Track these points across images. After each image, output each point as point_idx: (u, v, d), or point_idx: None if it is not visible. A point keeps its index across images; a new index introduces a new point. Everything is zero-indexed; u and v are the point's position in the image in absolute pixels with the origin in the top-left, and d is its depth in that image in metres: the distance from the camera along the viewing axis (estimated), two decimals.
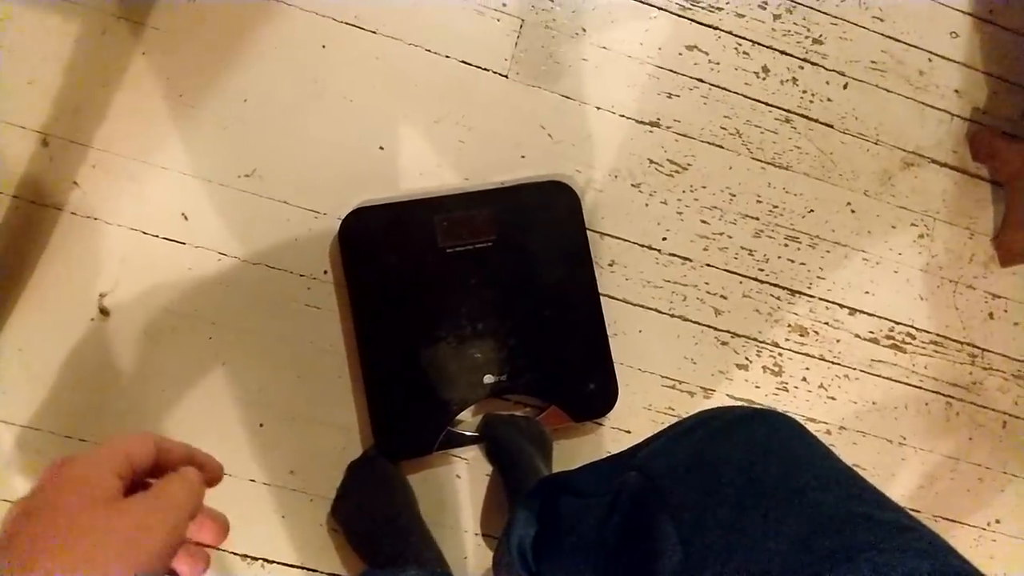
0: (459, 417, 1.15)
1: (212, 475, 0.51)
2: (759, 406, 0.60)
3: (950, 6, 1.39)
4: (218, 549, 1.09)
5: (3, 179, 1.08)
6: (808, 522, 0.47)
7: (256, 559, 1.10)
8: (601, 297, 1.22)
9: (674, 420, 1.22)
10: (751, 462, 0.53)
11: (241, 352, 1.12)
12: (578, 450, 1.21)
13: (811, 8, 1.35)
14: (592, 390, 1.18)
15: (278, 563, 1.11)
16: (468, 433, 1.15)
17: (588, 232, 1.21)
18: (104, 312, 1.09)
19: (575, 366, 1.18)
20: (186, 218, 1.12)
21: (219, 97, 1.15)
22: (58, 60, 1.11)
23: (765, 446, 0.55)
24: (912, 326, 1.36)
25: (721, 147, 1.30)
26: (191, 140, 1.14)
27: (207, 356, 1.11)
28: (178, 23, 1.14)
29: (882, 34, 1.37)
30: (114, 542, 0.38)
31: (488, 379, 1.13)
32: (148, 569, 0.38)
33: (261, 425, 1.12)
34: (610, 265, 1.25)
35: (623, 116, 1.27)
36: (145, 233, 1.11)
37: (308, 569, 1.11)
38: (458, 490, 1.18)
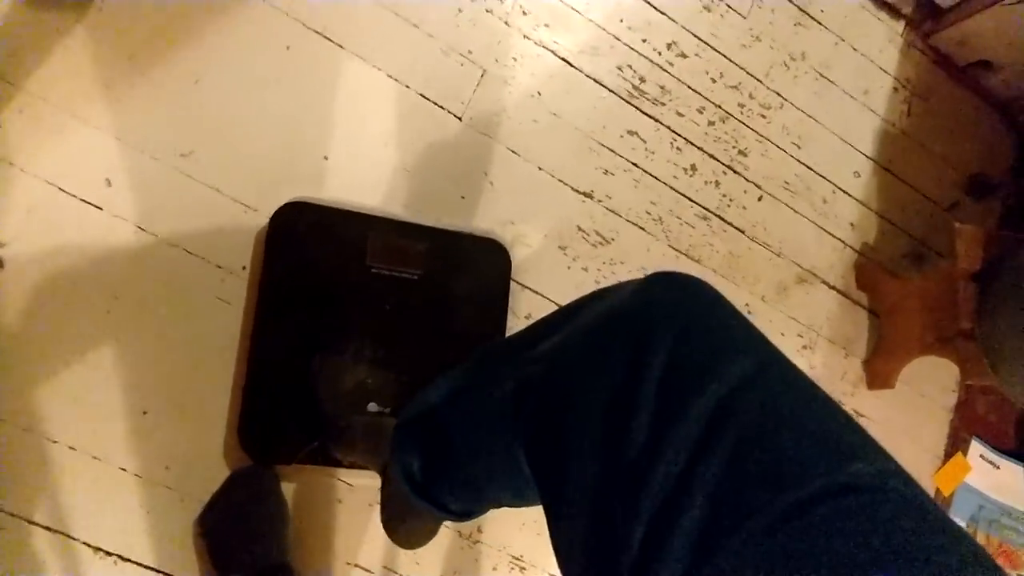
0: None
1: None
2: (668, 272, 0.57)
3: (857, 148, 1.55)
4: (68, 536, 1.00)
5: None
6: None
7: (109, 554, 1.02)
8: None
9: None
10: (674, 346, 0.48)
11: (138, 332, 1.06)
12: None
13: (741, 122, 1.47)
14: None
15: (133, 562, 1.02)
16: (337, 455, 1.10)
17: (511, 282, 1.24)
18: None
19: None
20: (110, 184, 1.07)
21: (171, 70, 1.12)
22: None
23: (687, 326, 0.50)
24: None
25: (643, 229, 1.38)
26: (132, 107, 1.09)
27: (101, 329, 1.05)
28: None
29: (797, 159, 1.50)
30: None
31: (372, 407, 1.11)
32: None
33: (144, 413, 1.05)
34: (527, 317, 1.27)
35: (561, 181, 1.33)
36: (62, 190, 1.05)
37: (163, 573, 1.04)
38: (337, 515, 1.14)
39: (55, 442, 1.01)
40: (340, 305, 1.12)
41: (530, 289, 1.28)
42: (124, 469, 1.04)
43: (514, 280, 1.26)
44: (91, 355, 1.03)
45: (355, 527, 1.14)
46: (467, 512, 0.79)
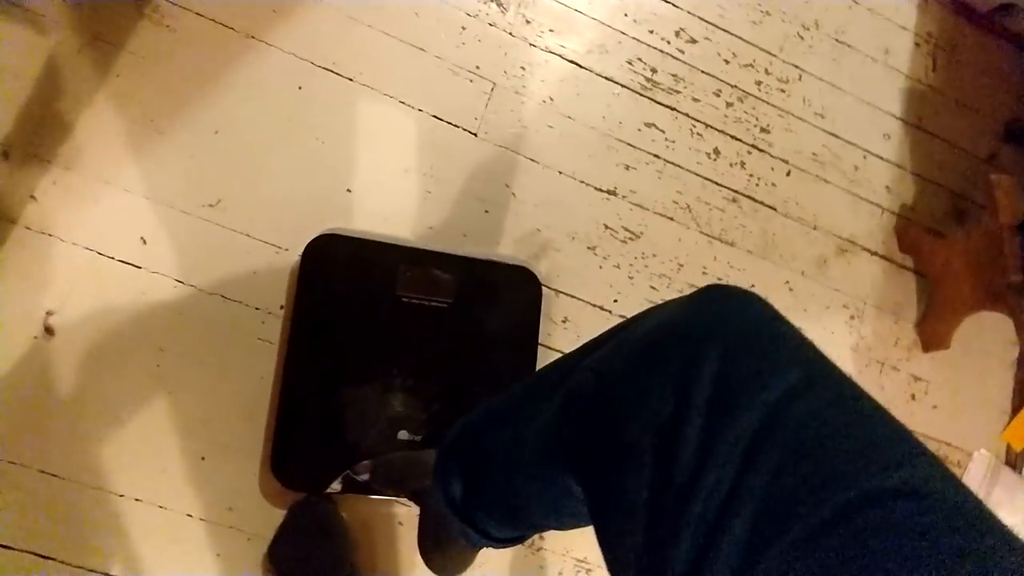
0: (372, 465, 1.13)
1: None
2: (721, 286, 0.57)
3: (884, 110, 1.51)
4: None
5: None
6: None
7: None
8: (553, 352, 1.25)
9: None
10: (722, 364, 0.49)
11: (188, 382, 1.10)
12: None
13: (760, 100, 1.45)
14: None
15: None
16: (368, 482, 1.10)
17: (544, 289, 1.24)
18: (49, 331, 1.06)
19: None
20: (144, 242, 1.11)
21: (190, 126, 1.15)
22: (28, 74, 1.10)
23: (736, 343, 0.50)
24: None
25: (672, 219, 1.37)
26: (157, 165, 1.13)
27: (152, 383, 1.08)
28: (155, 50, 1.15)
29: (823, 129, 1.48)
30: None
31: (403, 435, 1.13)
32: None
33: (203, 458, 1.08)
34: (563, 322, 1.28)
35: (583, 183, 1.33)
36: (101, 254, 1.09)
37: None
38: (398, 538, 1.16)
39: (121, 496, 1.05)
40: (371, 335, 1.14)
41: (564, 293, 1.29)
42: (190, 515, 1.07)
43: (547, 286, 1.27)
44: (145, 409, 1.07)
45: (415, 546, 1.16)
46: (509, 539, 0.80)
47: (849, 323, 1.44)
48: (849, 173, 1.48)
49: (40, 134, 1.09)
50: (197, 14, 1.17)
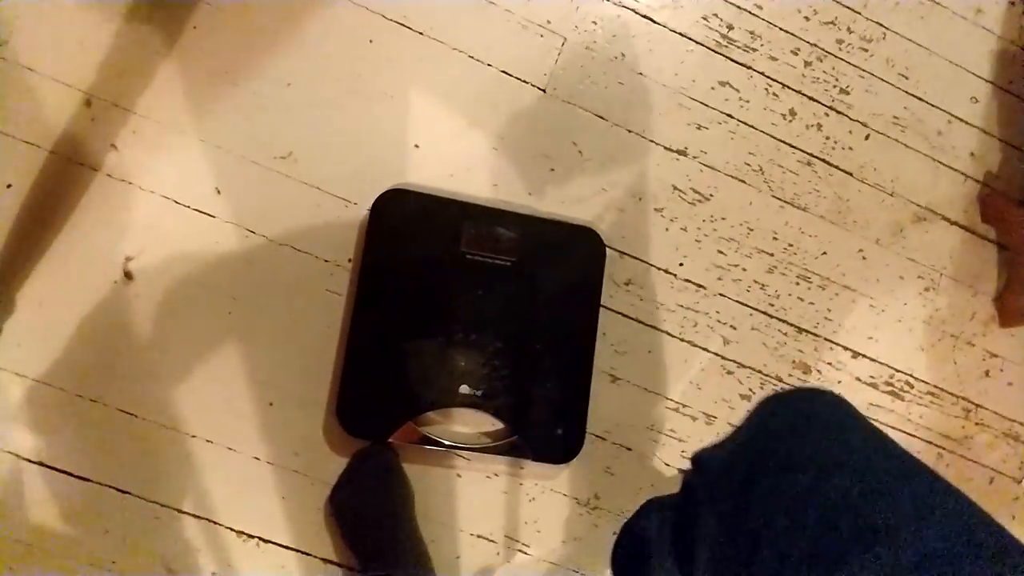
0: (432, 418, 1.15)
1: None
2: (801, 387, 0.62)
3: (972, 72, 1.44)
4: (214, 523, 1.09)
5: (42, 133, 1.09)
6: (831, 507, 0.48)
7: (252, 536, 1.10)
8: (615, 314, 1.24)
9: (674, 442, 1.24)
10: (785, 452, 0.55)
11: (258, 330, 1.13)
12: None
13: (840, 59, 1.39)
14: (559, 435, 1.18)
15: (273, 543, 1.10)
16: (437, 438, 1.13)
17: (608, 250, 1.23)
18: (128, 275, 1.10)
19: (550, 406, 1.18)
20: (219, 192, 1.13)
21: (263, 79, 1.17)
22: (110, 25, 1.12)
23: (802, 429, 0.56)
24: (911, 375, 1.39)
25: (743, 182, 1.34)
26: (231, 117, 1.15)
27: (224, 330, 1.12)
28: (230, 3, 1.16)
29: (906, 91, 1.41)
30: None
31: (464, 389, 1.14)
32: None
33: (271, 404, 1.12)
34: (626, 284, 1.27)
35: (653, 141, 1.30)
36: (177, 203, 1.12)
37: (302, 552, 1.11)
38: (457, 488, 1.18)
39: (194, 437, 1.09)
40: (435, 290, 1.15)
41: (628, 255, 1.27)
42: (257, 458, 1.11)
43: (611, 247, 1.26)
44: (217, 354, 1.11)
45: (475, 499, 1.18)
46: None
47: (923, 295, 1.40)
48: (932, 138, 1.42)
49: (121, 84, 1.12)
50: None
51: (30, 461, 1.05)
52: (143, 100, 1.12)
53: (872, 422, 0.58)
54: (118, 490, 1.08)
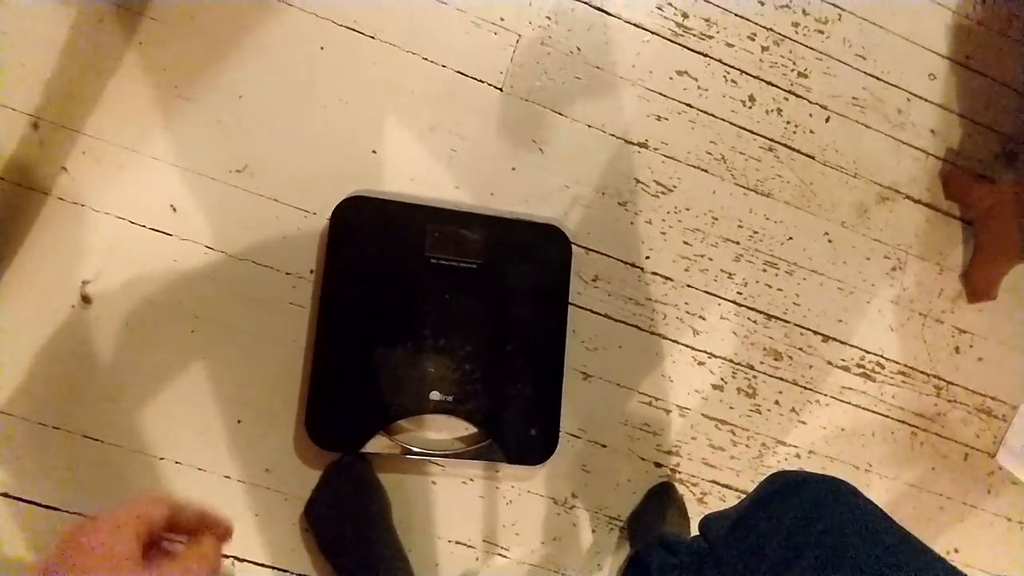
0: (404, 426, 1.15)
1: (223, 534, 0.53)
2: (809, 474, 0.66)
3: (929, 49, 1.44)
4: None
5: None
6: None
7: (227, 556, 1.09)
8: (583, 311, 1.24)
9: (649, 436, 1.23)
10: (792, 531, 0.59)
11: (223, 347, 1.11)
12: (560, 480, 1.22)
13: (797, 43, 1.39)
14: (533, 436, 1.17)
15: (249, 561, 1.09)
16: (409, 447, 1.13)
17: (574, 247, 1.23)
18: (86, 299, 1.08)
19: (523, 407, 1.17)
20: (174, 210, 1.12)
21: (214, 91, 1.15)
22: (53, 45, 1.10)
23: (809, 515, 0.60)
24: (882, 356, 1.39)
25: (706, 171, 1.33)
26: (183, 132, 1.13)
27: (188, 349, 1.10)
28: (176, 15, 1.14)
29: (864, 71, 1.41)
30: None
31: (435, 396, 1.13)
32: None
33: (239, 421, 1.11)
34: (593, 280, 1.26)
35: (613, 135, 1.30)
36: (132, 222, 1.10)
37: (279, 569, 1.10)
38: (433, 495, 1.17)
39: (162, 459, 1.08)
40: (401, 296, 1.14)
41: (595, 251, 1.27)
42: (228, 477, 1.10)
43: (577, 244, 1.25)
44: (182, 374, 1.10)
45: (452, 506, 1.18)
46: None
47: (891, 274, 1.40)
48: (892, 116, 1.42)
49: (68, 104, 1.10)
50: None
51: None
52: (92, 120, 1.10)
53: (881, 510, 0.60)
54: (87, 517, 1.06)
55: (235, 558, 1.09)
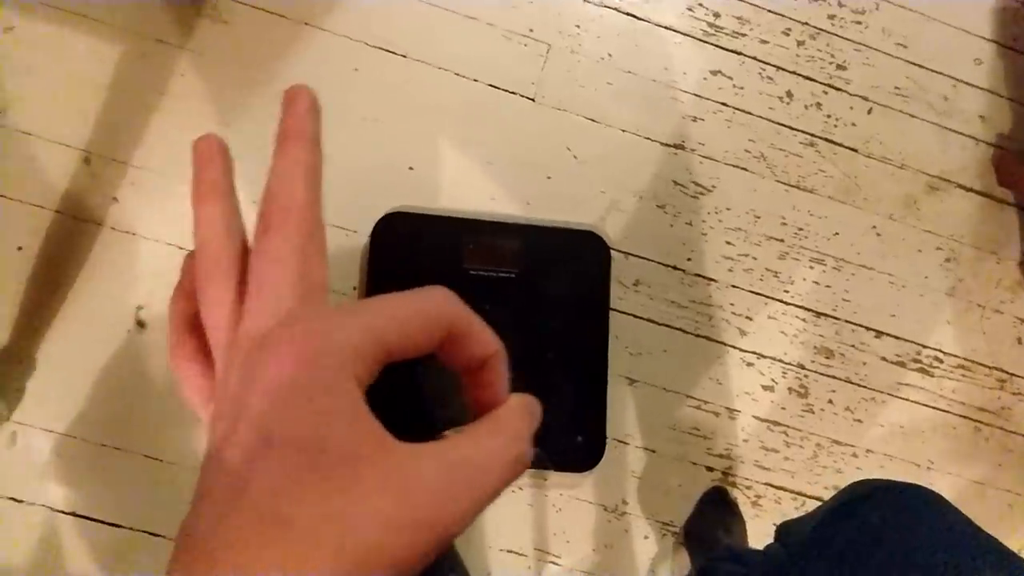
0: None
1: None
2: (896, 481, 0.64)
3: (974, 33, 1.40)
4: None
5: (46, 195, 1.12)
6: None
7: None
8: (626, 316, 1.24)
9: (699, 440, 1.22)
10: (872, 540, 0.58)
11: None
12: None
13: (834, 35, 1.37)
14: (579, 442, 1.17)
15: None
16: None
17: (613, 252, 1.23)
18: (141, 324, 1.12)
19: (567, 415, 1.17)
20: None
21: (253, 118, 1.19)
22: (101, 81, 1.15)
23: (886, 523, 0.58)
24: (939, 350, 1.35)
25: (746, 170, 1.32)
26: None
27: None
28: (216, 45, 1.19)
29: (905, 60, 1.38)
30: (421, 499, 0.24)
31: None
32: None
33: None
34: (635, 285, 1.26)
35: (648, 139, 1.29)
36: (181, 248, 1.14)
37: None
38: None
39: None
40: None
41: (634, 255, 1.26)
42: None
43: (616, 249, 1.25)
44: None
45: (502, 514, 1.18)
46: None
47: (944, 266, 1.36)
48: (937, 105, 1.39)
49: (116, 138, 1.15)
50: (251, 6, 1.20)
51: (63, 512, 1.08)
52: (139, 152, 1.15)
53: (967, 518, 0.59)
54: (150, 534, 1.10)
55: None
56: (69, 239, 1.12)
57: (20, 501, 1.08)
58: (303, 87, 0.32)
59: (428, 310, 0.28)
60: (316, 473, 0.23)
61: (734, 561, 0.87)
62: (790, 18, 1.36)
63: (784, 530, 0.73)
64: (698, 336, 1.28)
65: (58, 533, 1.08)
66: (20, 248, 1.11)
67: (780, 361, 1.30)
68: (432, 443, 0.26)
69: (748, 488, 1.28)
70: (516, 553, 1.19)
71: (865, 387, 1.33)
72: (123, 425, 1.10)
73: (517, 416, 0.30)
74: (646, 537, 1.23)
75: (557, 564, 1.20)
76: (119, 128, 1.15)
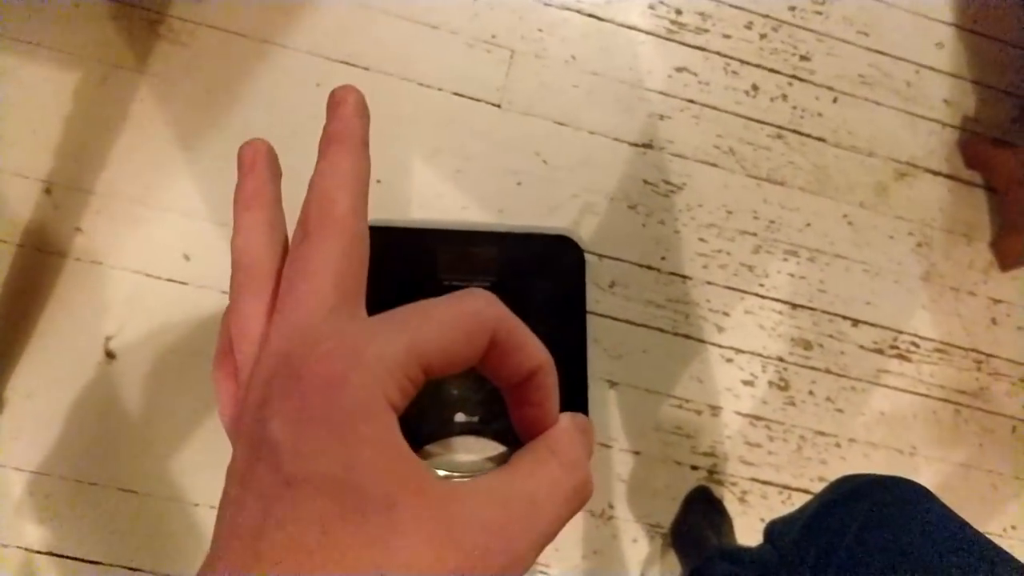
0: (432, 450, 1.14)
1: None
2: (880, 476, 0.65)
3: (934, 18, 1.41)
4: None
5: (8, 228, 1.10)
6: None
7: None
8: (603, 318, 1.23)
9: (682, 439, 1.22)
10: (861, 535, 0.58)
11: None
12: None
13: (796, 26, 1.37)
14: None
15: None
16: (438, 470, 1.12)
17: (587, 255, 1.22)
18: (110, 355, 1.10)
19: None
20: (188, 259, 1.14)
21: (216, 139, 1.17)
22: (59, 110, 1.13)
23: (879, 519, 0.59)
24: (916, 335, 1.36)
25: (715, 165, 1.32)
26: (191, 182, 1.15)
27: (212, 396, 1.12)
28: (175, 68, 1.17)
29: (868, 48, 1.39)
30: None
31: (460, 418, 1.13)
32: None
33: None
34: (611, 286, 1.25)
35: (617, 139, 1.29)
36: (148, 275, 1.12)
37: None
38: None
39: (196, 505, 1.09)
40: None
41: (608, 257, 1.26)
42: None
43: (590, 252, 1.24)
44: (209, 420, 1.11)
45: None
46: None
47: (917, 251, 1.37)
48: (902, 91, 1.39)
49: (78, 166, 1.13)
50: (210, 27, 1.18)
51: (40, 552, 1.06)
52: (101, 179, 1.13)
53: (952, 512, 0.59)
54: (130, 569, 1.08)
55: None
56: (34, 273, 1.10)
57: None
58: (351, 88, 0.29)
59: (470, 317, 0.24)
60: (345, 522, 0.20)
61: (727, 560, 0.86)
62: (752, 11, 1.36)
63: (772, 530, 0.73)
64: (677, 335, 1.28)
65: (36, 574, 1.06)
66: None
67: (759, 355, 1.30)
68: (479, 479, 0.24)
69: (734, 484, 1.27)
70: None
71: (845, 376, 1.33)
72: (96, 459, 1.08)
73: (571, 439, 0.27)
74: (635, 540, 1.23)
75: (546, 573, 1.19)
76: (80, 156, 1.13)
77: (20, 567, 1.05)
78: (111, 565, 1.07)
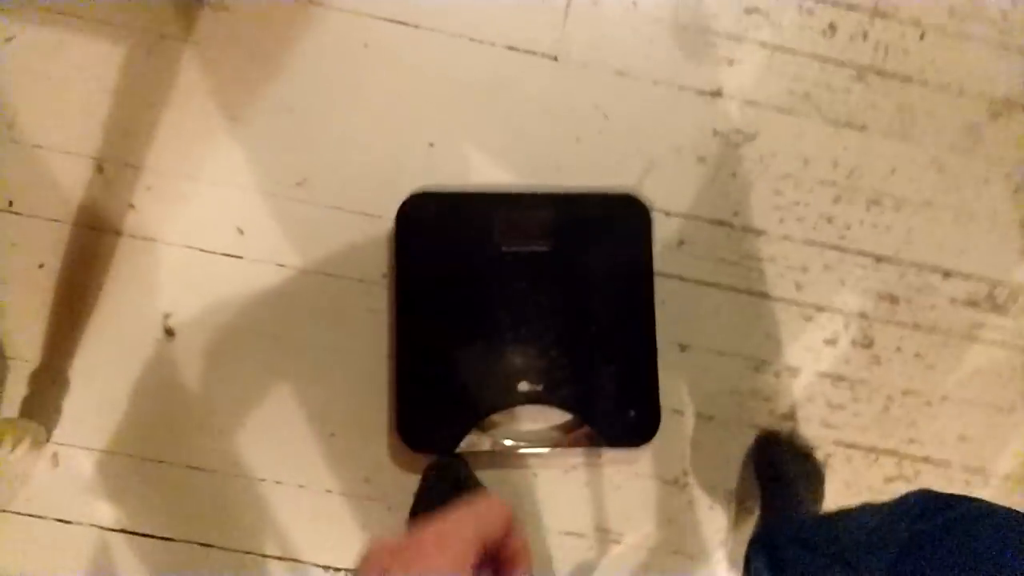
0: (497, 420, 1.10)
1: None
2: (991, 507, 0.61)
3: None
4: (299, 561, 1.08)
5: (62, 208, 1.09)
6: None
7: (339, 570, 1.09)
8: (671, 279, 1.17)
9: (760, 403, 1.15)
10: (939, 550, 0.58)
11: (306, 362, 1.11)
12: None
13: None
14: (632, 417, 1.11)
15: None
16: (504, 441, 1.10)
17: (653, 213, 1.15)
18: (169, 333, 1.09)
19: (617, 389, 1.11)
20: (241, 232, 1.11)
21: (264, 109, 1.13)
22: (107, 85, 1.11)
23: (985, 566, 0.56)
24: (1013, 285, 1.25)
25: (790, 112, 1.23)
26: (240, 154, 1.12)
27: (272, 370, 1.10)
28: (220, 35, 1.13)
29: None
30: None
31: (523, 387, 1.08)
32: None
33: (332, 435, 1.10)
34: (679, 245, 1.18)
35: (682, 88, 1.21)
36: (203, 250, 1.10)
37: None
38: (536, 488, 1.14)
39: (263, 480, 1.08)
40: (477, 289, 1.10)
41: (676, 214, 1.19)
42: (330, 491, 1.10)
43: (656, 210, 1.17)
44: (270, 394, 1.09)
45: (557, 496, 1.14)
46: None
47: (1016, 195, 1.26)
48: (997, 22, 1.27)
49: (127, 142, 1.11)
50: None
51: (112, 530, 1.07)
52: (151, 154, 1.11)
53: None
54: (201, 544, 1.08)
55: (347, 570, 1.09)
56: (89, 252, 1.09)
57: (68, 522, 1.06)
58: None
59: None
60: None
61: (800, 544, 0.83)
62: None
63: (846, 543, 0.73)
64: (751, 293, 1.20)
65: (109, 551, 1.07)
66: (41, 266, 1.08)
67: (841, 312, 1.22)
68: None
69: (817, 448, 1.21)
70: (576, 535, 1.14)
71: (936, 332, 1.24)
72: (162, 437, 1.08)
73: None
74: (711, 508, 1.18)
75: (620, 543, 1.15)
76: (129, 131, 1.11)
77: (93, 545, 1.06)
78: (183, 540, 1.07)
